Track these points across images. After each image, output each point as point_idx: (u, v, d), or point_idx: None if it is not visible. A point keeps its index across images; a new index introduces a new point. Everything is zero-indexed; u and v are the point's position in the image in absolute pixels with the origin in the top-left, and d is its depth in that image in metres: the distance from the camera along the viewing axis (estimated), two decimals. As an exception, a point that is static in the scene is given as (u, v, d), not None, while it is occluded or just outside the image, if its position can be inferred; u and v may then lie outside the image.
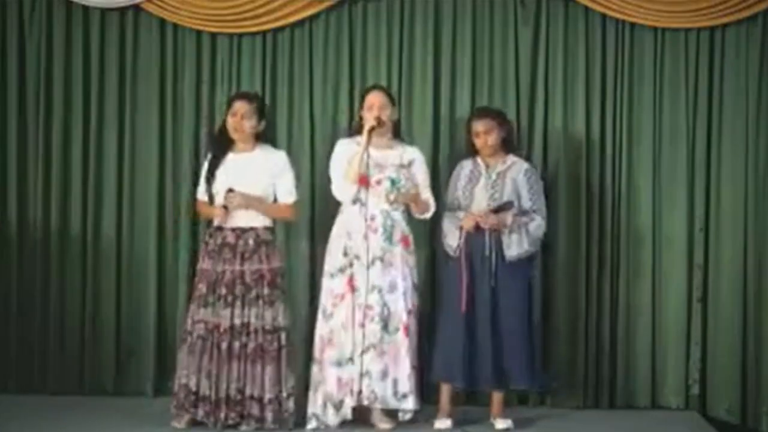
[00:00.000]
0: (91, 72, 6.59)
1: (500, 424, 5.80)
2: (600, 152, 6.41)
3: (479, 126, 5.90)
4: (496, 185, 5.85)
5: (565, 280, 6.39)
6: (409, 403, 5.72)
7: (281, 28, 6.54)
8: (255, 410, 5.63)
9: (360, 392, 5.65)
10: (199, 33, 6.57)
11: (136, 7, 6.54)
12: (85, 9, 6.57)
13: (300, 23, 6.53)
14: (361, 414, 5.77)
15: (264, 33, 6.54)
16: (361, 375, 5.64)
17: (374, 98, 5.83)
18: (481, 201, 5.84)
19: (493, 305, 5.75)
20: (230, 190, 5.67)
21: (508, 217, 5.78)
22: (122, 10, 6.56)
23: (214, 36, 6.57)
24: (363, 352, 5.65)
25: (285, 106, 6.55)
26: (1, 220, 6.58)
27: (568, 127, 6.42)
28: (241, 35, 6.55)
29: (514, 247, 5.79)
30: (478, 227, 5.76)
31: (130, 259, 6.57)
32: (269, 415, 5.63)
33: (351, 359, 5.67)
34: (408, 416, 5.78)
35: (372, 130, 5.72)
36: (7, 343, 6.53)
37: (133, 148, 6.58)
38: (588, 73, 6.42)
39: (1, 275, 6.55)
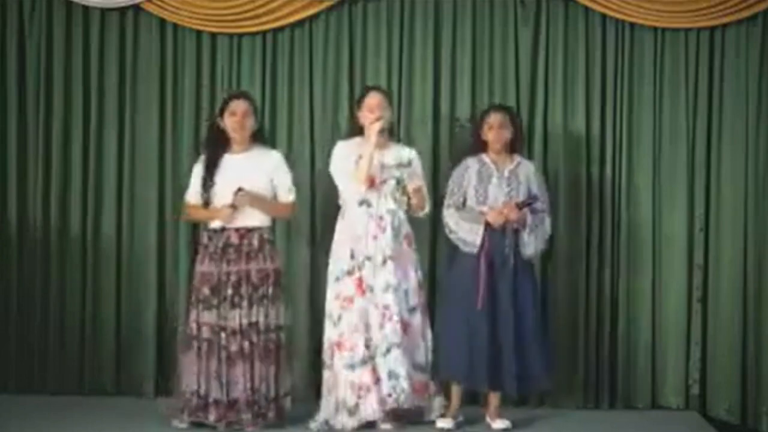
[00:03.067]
0: (91, 72, 6.59)
1: (499, 423, 5.79)
2: (600, 152, 6.42)
3: (496, 119, 5.88)
4: (511, 183, 5.84)
5: (565, 281, 6.39)
6: (420, 400, 5.71)
7: (281, 28, 6.54)
8: (264, 409, 5.64)
9: (389, 395, 5.60)
10: (199, 33, 6.56)
11: (136, 7, 6.55)
12: (85, 9, 6.57)
13: (300, 23, 6.53)
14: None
15: (264, 33, 6.54)
16: (388, 376, 5.60)
17: (374, 100, 5.83)
18: (497, 199, 5.80)
19: (514, 305, 5.72)
20: (240, 189, 5.65)
21: (529, 215, 5.77)
22: (122, 10, 6.56)
23: (214, 36, 6.57)
24: (386, 353, 5.62)
25: (285, 106, 6.55)
26: (1, 220, 6.58)
27: (568, 127, 6.42)
28: (241, 35, 6.55)
29: (531, 245, 5.79)
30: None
31: (130, 259, 6.57)
32: (272, 414, 5.64)
33: (366, 362, 5.62)
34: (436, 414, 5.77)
35: (382, 131, 5.72)
36: (7, 343, 6.53)
37: (133, 148, 6.58)
38: (588, 73, 6.42)
39: (1, 275, 6.55)
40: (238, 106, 5.77)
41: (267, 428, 5.65)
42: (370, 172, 5.70)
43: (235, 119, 5.75)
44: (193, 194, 5.84)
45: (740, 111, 6.32)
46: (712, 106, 6.36)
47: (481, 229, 5.73)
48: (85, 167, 6.58)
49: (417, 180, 5.82)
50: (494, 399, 5.85)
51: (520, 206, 5.74)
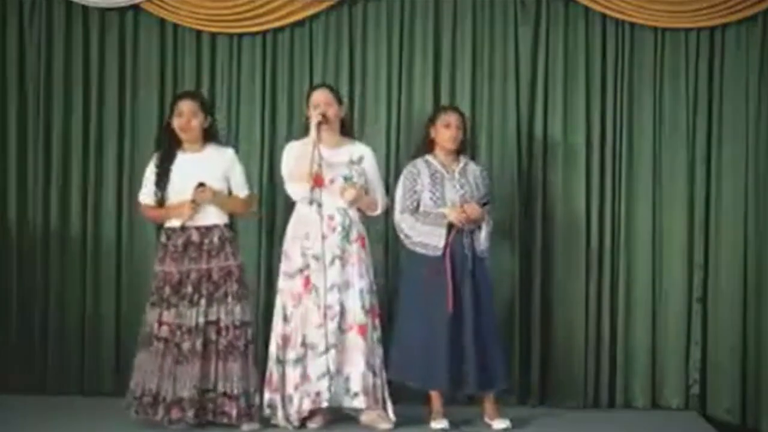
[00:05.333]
0: (91, 72, 6.59)
1: (499, 424, 5.77)
2: (600, 152, 6.41)
3: (453, 119, 5.87)
4: (462, 184, 5.83)
5: (564, 280, 6.39)
6: (360, 403, 5.66)
7: (281, 28, 6.54)
8: (227, 407, 5.61)
9: (318, 393, 5.60)
10: (199, 33, 6.57)
11: (136, 7, 6.55)
12: (85, 9, 6.57)
13: (300, 23, 6.53)
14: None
15: (264, 33, 6.55)
16: (323, 375, 5.59)
17: (319, 96, 5.80)
18: (453, 200, 5.79)
19: (475, 304, 5.71)
20: (201, 185, 5.62)
21: (485, 212, 5.80)
22: (122, 10, 6.56)
23: (214, 36, 6.58)
24: (325, 352, 5.61)
25: (285, 106, 6.55)
26: (1, 220, 6.58)
27: (568, 127, 6.42)
28: (241, 35, 6.56)
29: (484, 241, 5.78)
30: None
31: (130, 259, 6.57)
32: (234, 411, 5.61)
33: (302, 359, 5.64)
34: (362, 417, 5.73)
35: (319, 125, 5.69)
36: (7, 343, 6.53)
37: (133, 148, 6.58)
38: (588, 73, 6.42)
39: (1, 275, 6.56)
40: (185, 105, 5.74)
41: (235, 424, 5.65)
42: (314, 169, 5.65)
43: (181, 120, 5.72)
44: (147, 194, 5.80)
45: (740, 111, 6.32)
46: (712, 106, 6.36)
47: (443, 232, 5.73)
48: (85, 167, 6.58)
49: (362, 180, 5.78)
50: (487, 400, 5.83)
51: (480, 205, 5.76)
